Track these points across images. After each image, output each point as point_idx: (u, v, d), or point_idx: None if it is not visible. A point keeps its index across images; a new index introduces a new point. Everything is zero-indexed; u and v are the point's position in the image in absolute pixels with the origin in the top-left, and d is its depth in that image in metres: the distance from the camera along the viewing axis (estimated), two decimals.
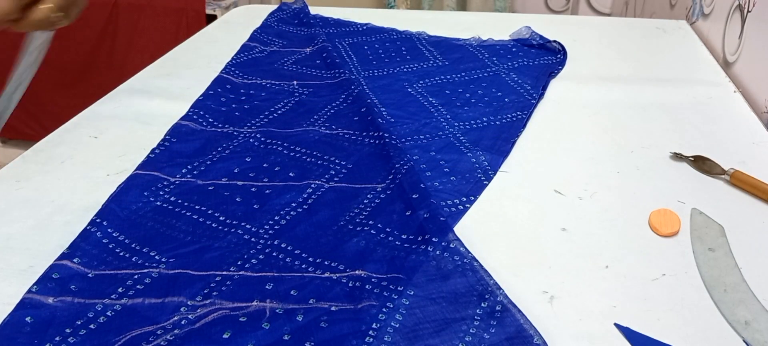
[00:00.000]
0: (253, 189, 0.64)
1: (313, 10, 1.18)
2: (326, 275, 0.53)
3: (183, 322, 0.48)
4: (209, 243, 0.56)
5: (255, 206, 0.60)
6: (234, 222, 0.59)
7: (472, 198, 0.63)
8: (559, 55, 0.98)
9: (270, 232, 0.58)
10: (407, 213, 0.59)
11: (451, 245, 0.54)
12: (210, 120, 0.78)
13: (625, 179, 0.67)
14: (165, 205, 0.61)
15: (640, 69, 0.95)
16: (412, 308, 0.49)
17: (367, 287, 0.51)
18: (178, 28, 2.00)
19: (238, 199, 0.62)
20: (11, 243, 0.56)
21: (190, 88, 0.86)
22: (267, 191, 0.63)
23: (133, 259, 0.54)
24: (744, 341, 0.47)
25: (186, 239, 0.56)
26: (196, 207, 0.61)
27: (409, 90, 0.87)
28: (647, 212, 0.60)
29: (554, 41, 1.00)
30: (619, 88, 0.88)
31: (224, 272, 0.53)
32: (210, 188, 0.64)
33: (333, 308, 0.49)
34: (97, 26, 1.97)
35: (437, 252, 0.54)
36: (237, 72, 0.91)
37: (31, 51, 0.55)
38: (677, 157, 0.70)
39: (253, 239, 0.57)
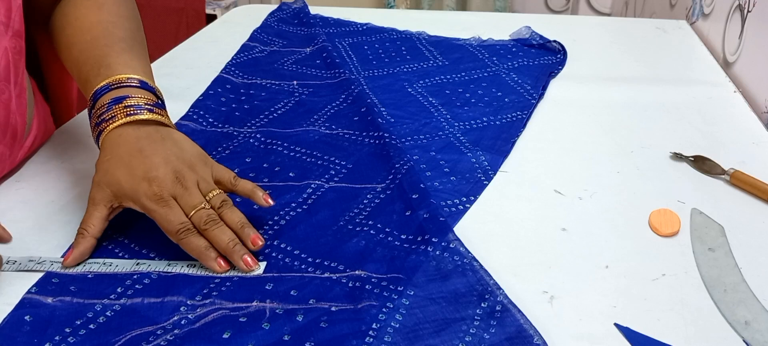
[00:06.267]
0: None
1: (313, 9, 1.18)
2: (326, 275, 0.53)
3: (183, 322, 0.48)
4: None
5: (255, 206, 0.60)
6: None
7: (472, 198, 0.63)
8: (559, 55, 0.98)
9: (270, 232, 0.58)
10: (407, 213, 0.59)
11: (451, 245, 0.54)
12: (210, 120, 0.77)
13: (625, 178, 0.67)
14: None
15: (640, 69, 0.95)
16: (412, 308, 0.49)
17: (367, 287, 0.51)
18: (178, 28, 2.00)
19: (237, 199, 0.62)
20: (11, 243, 0.56)
21: (190, 88, 0.86)
22: (267, 191, 0.63)
23: (133, 259, 0.54)
24: (744, 341, 0.47)
25: None
26: None
27: (409, 90, 0.87)
28: (647, 212, 0.60)
29: (554, 41, 1.00)
30: (619, 88, 0.88)
31: (224, 273, 0.53)
32: None
33: (333, 308, 0.49)
34: None
35: (437, 252, 0.54)
36: (237, 72, 0.91)
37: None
38: (677, 157, 0.70)
39: None
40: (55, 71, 0.75)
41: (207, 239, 0.52)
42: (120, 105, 0.56)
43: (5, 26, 0.61)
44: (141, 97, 0.57)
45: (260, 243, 0.53)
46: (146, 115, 0.56)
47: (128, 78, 0.58)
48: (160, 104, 0.59)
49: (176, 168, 0.54)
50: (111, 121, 0.55)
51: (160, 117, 0.57)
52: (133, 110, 0.56)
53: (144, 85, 0.58)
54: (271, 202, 0.56)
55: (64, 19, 0.65)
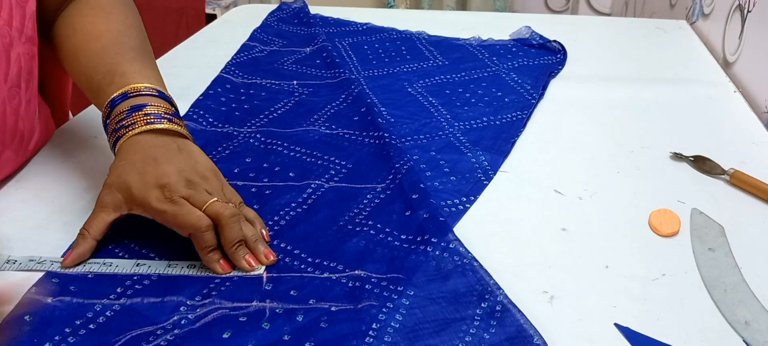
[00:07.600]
0: (253, 189, 0.64)
1: (313, 9, 1.18)
2: (326, 275, 0.53)
3: (183, 322, 0.48)
4: None
5: (255, 206, 0.60)
6: None
7: (472, 198, 0.63)
8: (559, 55, 0.98)
9: (270, 232, 0.58)
10: (407, 213, 0.59)
11: (451, 245, 0.54)
12: (210, 120, 0.77)
13: (625, 178, 0.67)
14: None
15: (640, 69, 0.95)
16: (412, 308, 0.49)
17: (367, 287, 0.51)
18: (178, 27, 2.00)
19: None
20: (11, 243, 0.56)
21: (189, 87, 0.86)
22: (267, 191, 0.63)
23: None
24: (744, 341, 0.47)
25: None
26: None
27: (409, 90, 0.87)
28: (647, 212, 0.60)
29: (554, 41, 1.00)
30: (619, 88, 0.88)
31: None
32: None
33: (333, 308, 0.49)
34: None
35: (437, 252, 0.54)
36: (237, 72, 0.91)
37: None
38: (677, 157, 0.70)
39: None
40: (52, 74, 0.75)
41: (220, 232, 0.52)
42: (140, 112, 0.56)
43: (19, 33, 0.61)
44: (160, 107, 0.57)
45: (272, 259, 0.53)
46: (165, 125, 0.56)
47: (145, 87, 0.58)
48: (176, 114, 0.59)
49: (189, 177, 0.54)
50: (131, 128, 0.55)
51: (178, 127, 0.57)
52: (152, 119, 0.56)
53: (161, 95, 0.58)
54: (271, 258, 0.54)
55: (70, 27, 0.65)
